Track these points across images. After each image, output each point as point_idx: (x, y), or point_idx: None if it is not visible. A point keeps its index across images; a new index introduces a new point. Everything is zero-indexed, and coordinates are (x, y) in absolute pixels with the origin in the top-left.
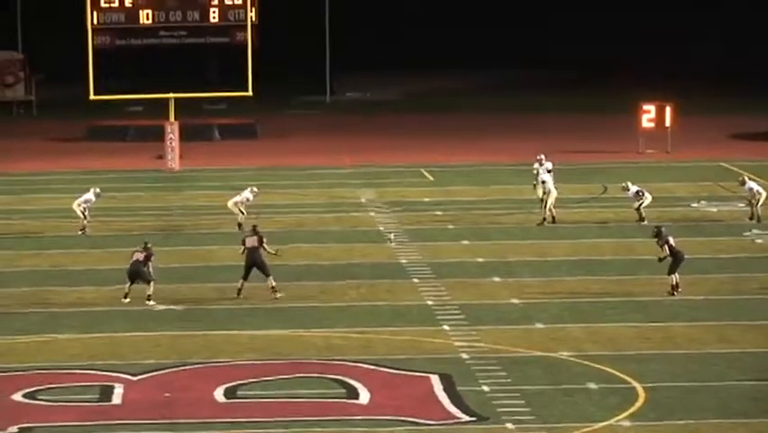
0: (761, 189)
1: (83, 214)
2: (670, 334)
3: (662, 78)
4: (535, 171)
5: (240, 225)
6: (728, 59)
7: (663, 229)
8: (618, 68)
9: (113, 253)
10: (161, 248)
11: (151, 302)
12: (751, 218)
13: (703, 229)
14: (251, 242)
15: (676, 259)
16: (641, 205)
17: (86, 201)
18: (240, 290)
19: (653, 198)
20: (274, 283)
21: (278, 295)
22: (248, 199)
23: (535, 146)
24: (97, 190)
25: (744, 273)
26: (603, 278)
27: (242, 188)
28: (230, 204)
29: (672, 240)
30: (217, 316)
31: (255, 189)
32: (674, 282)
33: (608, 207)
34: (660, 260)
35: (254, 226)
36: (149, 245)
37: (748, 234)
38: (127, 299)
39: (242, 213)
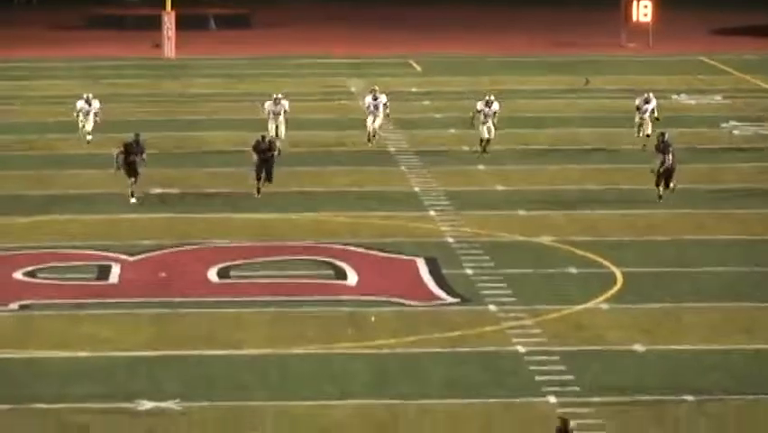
0: None
1: (81, 122)
2: (649, 221)
3: None
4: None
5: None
6: None
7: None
8: None
9: (110, 138)
10: (158, 133)
11: (133, 199)
12: None
13: (682, 120)
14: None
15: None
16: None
17: (80, 110)
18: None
19: (633, 90)
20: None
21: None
22: (269, 111)
23: (522, 39)
24: (86, 96)
25: (721, 164)
26: (585, 167)
27: (237, 77)
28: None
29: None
30: (212, 200)
31: (276, 97)
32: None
33: (591, 99)
34: (652, 171)
35: (270, 141)
36: (139, 137)
37: (725, 125)
38: (133, 199)
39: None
